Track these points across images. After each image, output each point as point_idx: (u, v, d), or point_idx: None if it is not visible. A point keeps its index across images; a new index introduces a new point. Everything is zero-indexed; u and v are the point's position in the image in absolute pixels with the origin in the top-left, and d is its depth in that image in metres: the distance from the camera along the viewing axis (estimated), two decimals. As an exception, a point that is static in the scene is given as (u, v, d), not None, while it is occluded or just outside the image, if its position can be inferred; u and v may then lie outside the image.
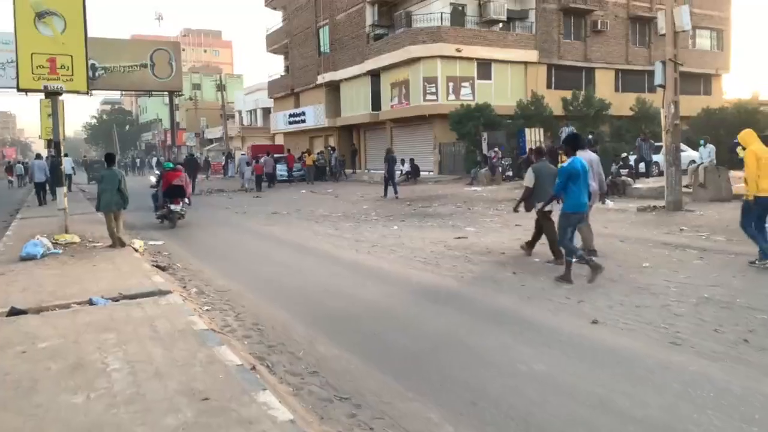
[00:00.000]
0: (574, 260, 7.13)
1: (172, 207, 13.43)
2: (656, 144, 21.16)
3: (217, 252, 10.57)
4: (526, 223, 11.63)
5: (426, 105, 27.02)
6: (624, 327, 5.46)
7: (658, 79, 12.88)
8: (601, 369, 4.52)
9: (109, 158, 10.74)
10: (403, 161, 26.73)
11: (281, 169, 32.04)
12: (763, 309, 5.79)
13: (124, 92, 55.05)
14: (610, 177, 17.43)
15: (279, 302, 6.82)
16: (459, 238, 10.81)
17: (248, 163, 27.16)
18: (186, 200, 13.84)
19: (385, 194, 20.22)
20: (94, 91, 49.44)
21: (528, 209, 8.66)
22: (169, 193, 13.49)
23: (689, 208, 12.96)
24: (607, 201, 13.94)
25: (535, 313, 6.01)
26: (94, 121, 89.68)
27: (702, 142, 20.13)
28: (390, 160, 21.06)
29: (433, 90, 26.81)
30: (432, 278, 7.67)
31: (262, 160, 27.47)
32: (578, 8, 29.24)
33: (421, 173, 26.61)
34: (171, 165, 14.88)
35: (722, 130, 27.19)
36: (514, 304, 6.36)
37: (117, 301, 6.42)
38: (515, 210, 8.91)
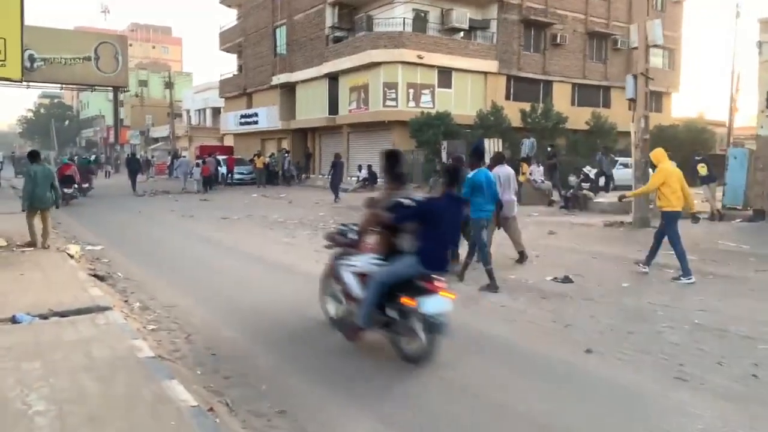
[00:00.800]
0: (489, 267, 7.43)
1: (65, 190, 17.29)
2: (615, 159, 21.38)
3: (162, 260, 9.66)
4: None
5: (386, 111, 26.49)
6: (622, 358, 5.00)
7: (629, 93, 12.73)
8: (609, 411, 4.01)
9: (33, 155, 10.42)
10: (360, 167, 26.14)
11: (237, 171, 31.01)
12: (761, 339, 5.46)
13: (64, 86, 52.52)
14: (571, 190, 17.36)
15: (234, 321, 6.07)
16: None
17: (197, 165, 27.02)
18: (75, 186, 19.51)
19: (336, 198, 20.66)
20: (32, 83, 46.90)
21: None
22: (63, 180, 16.80)
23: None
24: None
25: (521, 339, 5.51)
26: (30, 114, 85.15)
27: None
28: (337, 165, 21.29)
29: (393, 96, 26.31)
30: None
31: (206, 160, 27.35)
32: (538, 21, 29.38)
33: (378, 180, 26.03)
34: (65, 160, 22.56)
35: (673, 146, 27.97)
36: (495, 329, 5.84)
37: (46, 318, 5.53)
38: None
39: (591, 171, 18.36)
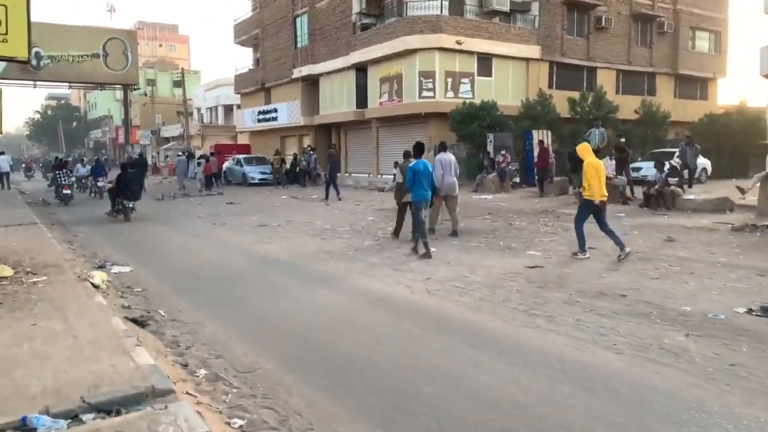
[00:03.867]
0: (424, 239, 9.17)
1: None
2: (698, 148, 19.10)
3: (210, 286, 7.57)
4: (601, 244, 9.17)
5: (422, 102, 24.31)
6: None
7: (765, 69, 10.34)
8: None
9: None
10: (396, 164, 23.95)
11: (251, 171, 28.98)
12: None
13: (72, 85, 50.46)
14: (655, 186, 15.13)
15: (380, 411, 3.94)
16: (533, 267, 8.18)
17: (198, 164, 27.62)
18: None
19: (327, 197, 19.64)
20: (38, 82, 44.92)
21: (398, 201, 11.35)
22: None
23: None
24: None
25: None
26: (37, 116, 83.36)
27: None
28: (332, 162, 20.57)
29: (431, 86, 24.13)
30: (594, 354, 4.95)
31: (209, 160, 27.70)
32: (582, 1, 27.13)
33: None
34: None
35: (726, 136, 25.71)
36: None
37: (76, 418, 3.47)
38: None
39: (678, 163, 16.13)
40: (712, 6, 32.51)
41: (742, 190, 13.05)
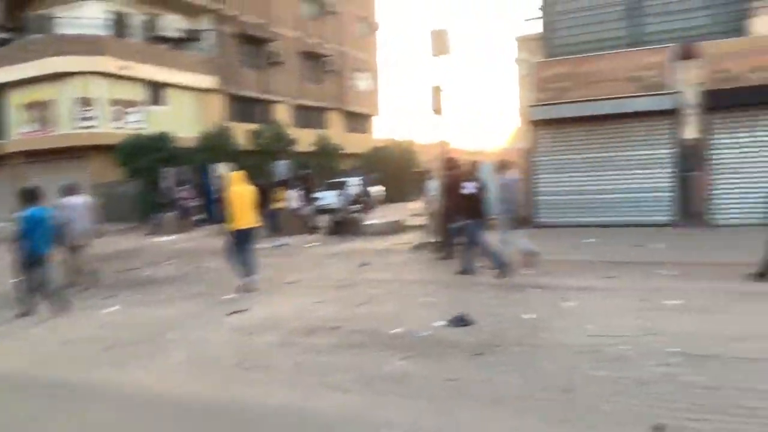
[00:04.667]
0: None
1: None
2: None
3: None
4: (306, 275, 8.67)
5: (80, 134, 20.92)
6: None
7: (434, 105, 10.95)
8: None
9: None
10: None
11: None
12: None
13: None
14: (338, 214, 15.51)
15: None
16: (235, 312, 7.06)
17: None
18: None
19: None
20: None
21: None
22: None
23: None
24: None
25: None
26: None
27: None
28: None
29: (90, 115, 20.99)
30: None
31: None
32: (255, 36, 27.29)
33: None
34: None
35: (389, 164, 29.19)
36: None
37: None
38: None
39: (359, 192, 16.89)
40: (366, 50, 36.56)
41: (417, 214, 14.23)
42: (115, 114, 21.64)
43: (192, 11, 25.21)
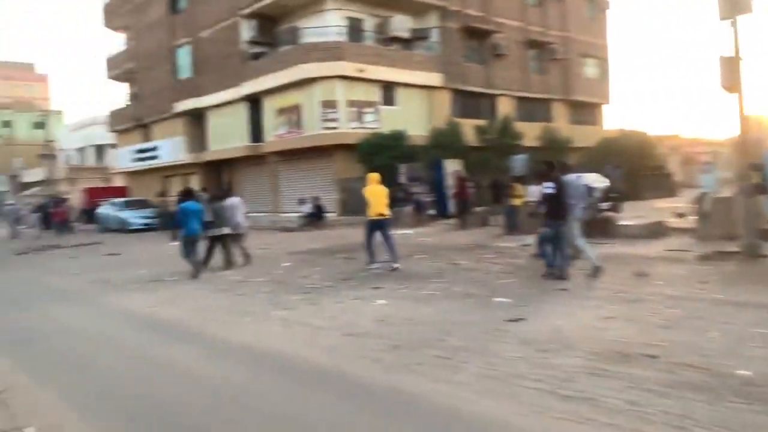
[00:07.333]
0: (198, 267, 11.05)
1: None
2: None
3: (104, 382, 5.11)
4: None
5: (324, 134, 22.67)
6: None
7: (724, 81, 9.46)
8: None
9: None
10: (303, 201, 22.06)
11: (131, 216, 25.70)
12: None
13: None
14: (589, 212, 14.39)
15: None
16: (513, 321, 6.58)
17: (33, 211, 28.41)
18: None
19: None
20: None
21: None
22: None
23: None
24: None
25: None
26: None
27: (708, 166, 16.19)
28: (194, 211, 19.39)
29: (333, 116, 22.60)
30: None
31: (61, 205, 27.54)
32: (479, 28, 27.07)
33: (326, 215, 22.11)
34: None
35: (621, 158, 26.47)
36: None
37: None
38: None
39: (599, 188, 15.57)
40: (595, 33, 34.09)
41: (682, 215, 12.62)
42: (353, 115, 22.98)
43: (419, 10, 25.77)
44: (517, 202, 15.57)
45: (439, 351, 5.50)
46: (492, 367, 4.97)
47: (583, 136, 30.18)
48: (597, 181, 18.37)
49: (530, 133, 27.15)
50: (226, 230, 11.93)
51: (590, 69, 33.95)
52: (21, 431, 4.08)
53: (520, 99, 29.89)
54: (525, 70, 29.93)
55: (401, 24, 24.60)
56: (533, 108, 30.56)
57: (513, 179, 16.49)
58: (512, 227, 15.34)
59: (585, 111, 34.14)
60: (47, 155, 42.26)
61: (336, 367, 5.21)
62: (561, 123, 30.94)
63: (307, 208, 21.43)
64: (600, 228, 13.74)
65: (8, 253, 18.47)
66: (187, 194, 11.92)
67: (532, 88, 30.32)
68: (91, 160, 49.88)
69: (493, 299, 7.74)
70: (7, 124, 61.43)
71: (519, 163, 17.46)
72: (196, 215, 11.09)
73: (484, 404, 4.22)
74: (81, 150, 51.29)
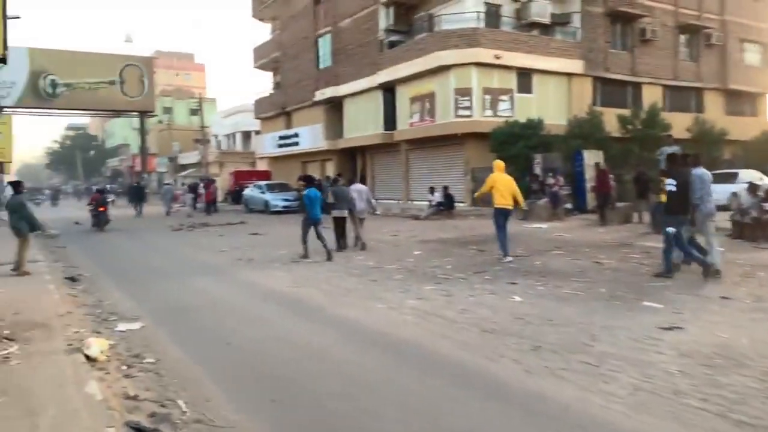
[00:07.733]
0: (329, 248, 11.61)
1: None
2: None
3: (248, 358, 5.63)
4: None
5: (458, 122, 22.57)
6: None
7: None
8: None
9: (16, 185, 10.93)
10: (433, 190, 22.15)
11: (274, 198, 27.30)
12: None
13: (89, 112, 49.48)
14: (747, 213, 13.07)
15: None
16: (669, 329, 6.04)
17: (189, 191, 31.11)
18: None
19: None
20: (55, 111, 44.09)
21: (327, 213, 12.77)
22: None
23: None
24: None
25: None
26: (56, 146, 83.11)
27: None
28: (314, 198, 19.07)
29: (467, 104, 22.41)
30: None
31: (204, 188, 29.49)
32: (626, 12, 25.41)
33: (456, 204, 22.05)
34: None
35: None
36: None
37: None
38: None
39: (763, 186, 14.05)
40: (758, 16, 30.63)
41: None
42: (487, 102, 22.61)
43: (562, -6, 24.70)
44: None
45: (585, 356, 5.14)
46: (647, 380, 4.54)
47: (740, 129, 27.35)
48: (757, 178, 16.74)
49: (679, 124, 25.04)
50: (345, 213, 12.82)
51: (751, 55, 30.58)
52: (173, 403, 4.43)
53: (669, 87, 27.75)
54: (675, 56, 27.70)
55: (541, 9, 23.75)
56: (683, 97, 28.24)
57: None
58: (658, 224, 14.27)
59: (743, 101, 30.88)
60: (201, 140, 45.98)
61: (475, 364, 5.09)
62: (715, 114, 28.22)
63: (437, 196, 21.47)
64: (764, 231, 12.48)
65: (167, 230, 20.38)
66: (308, 181, 12.47)
67: (682, 76, 27.99)
68: (238, 145, 53.70)
69: (642, 303, 7.24)
70: (168, 110, 67.72)
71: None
72: (318, 201, 11.78)
73: (641, 420, 3.87)
74: (230, 136, 55.39)
